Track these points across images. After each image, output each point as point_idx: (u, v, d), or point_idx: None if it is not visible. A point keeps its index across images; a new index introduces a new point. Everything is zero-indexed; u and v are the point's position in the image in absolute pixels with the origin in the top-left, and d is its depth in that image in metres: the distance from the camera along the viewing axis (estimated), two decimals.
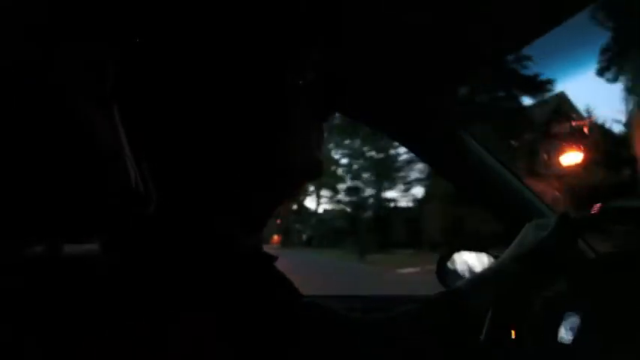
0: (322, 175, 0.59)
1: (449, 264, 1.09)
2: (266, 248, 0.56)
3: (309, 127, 0.56)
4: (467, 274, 1.06)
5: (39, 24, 0.46)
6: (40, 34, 0.47)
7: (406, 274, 11.11)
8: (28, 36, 0.46)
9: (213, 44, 0.49)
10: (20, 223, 0.42)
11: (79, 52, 0.46)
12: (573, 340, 0.70)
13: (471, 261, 1.09)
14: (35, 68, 0.44)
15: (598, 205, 0.76)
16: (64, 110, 0.41)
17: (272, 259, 0.52)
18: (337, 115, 1.09)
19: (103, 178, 0.44)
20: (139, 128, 0.48)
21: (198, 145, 0.50)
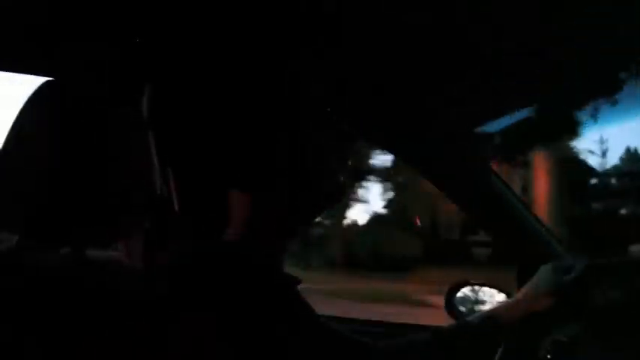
0: (343, 199, 0.59)
1: (458, 297, 1.09)
2: None
3: (332, 150, 0.56)
4: (476, 309, 1.06)
5: (39, 24, 0.46)
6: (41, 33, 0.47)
7: None
8: (28, 36, 0.46)
9: (226, 54, 0.49)
10: (49, 228, 0.42)
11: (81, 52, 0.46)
12: None
13: (480, 295, 1.09)
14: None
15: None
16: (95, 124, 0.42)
17: (294, 280, 0.52)
18: None
19: (132, 188, 0.44)
20: (161, 139, 0.48)
21: (215, 157, 0.50)
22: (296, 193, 0.55)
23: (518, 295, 0.68)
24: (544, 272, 0.70)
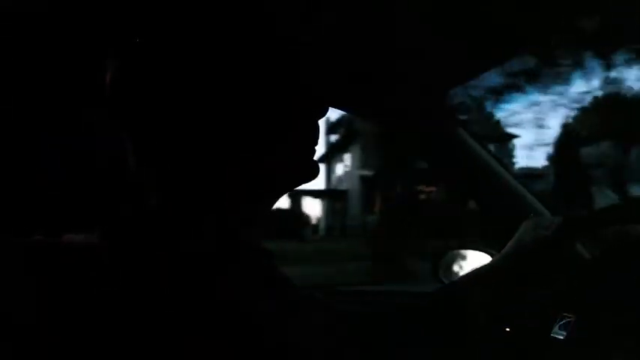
0: (317, 176, 0.57)
1: (444, 261, 1.09)
2: None
3: (303, 127, 0.54)
4: (462, 271, 1.06)
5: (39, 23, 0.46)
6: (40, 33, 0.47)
7: None
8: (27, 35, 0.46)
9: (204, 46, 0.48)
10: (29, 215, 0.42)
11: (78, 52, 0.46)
12: (566, 337, 0.71)
13: (466, 258, 1.08)
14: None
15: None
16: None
17: (272, 255, 0.52)
18: None
19: (103, 174, 0.44)
20: (140, 128, 0.47)
21: (196, 144, 0.49)
22: (267, 163, 0.52)
23: (502, 252, 0.67)
24: (525, 228, 0.68)
